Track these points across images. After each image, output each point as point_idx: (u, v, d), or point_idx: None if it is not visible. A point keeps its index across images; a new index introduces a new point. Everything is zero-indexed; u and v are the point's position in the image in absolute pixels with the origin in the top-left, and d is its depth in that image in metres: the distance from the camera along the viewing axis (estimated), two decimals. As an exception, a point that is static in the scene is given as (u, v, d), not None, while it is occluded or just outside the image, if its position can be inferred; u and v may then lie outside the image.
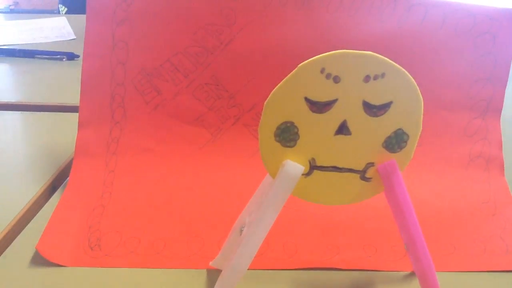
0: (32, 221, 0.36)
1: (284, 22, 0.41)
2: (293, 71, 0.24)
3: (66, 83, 0.66)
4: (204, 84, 0.41)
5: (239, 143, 0.41)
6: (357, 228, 0.36)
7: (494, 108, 0.43)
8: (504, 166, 0.42)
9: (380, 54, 0.24)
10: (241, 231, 0.27)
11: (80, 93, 0.40)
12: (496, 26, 0.42)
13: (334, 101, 0.24)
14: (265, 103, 0.24)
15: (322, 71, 0.24)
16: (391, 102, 0.25)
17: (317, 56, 0.24)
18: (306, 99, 0.24)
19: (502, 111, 0.43)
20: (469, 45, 0.42)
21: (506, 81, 0.43)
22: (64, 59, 0.76)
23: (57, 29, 0.94)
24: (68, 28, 0.94)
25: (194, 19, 0.41)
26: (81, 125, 0.40)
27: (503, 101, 0.43)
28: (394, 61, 0.24)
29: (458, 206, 0.39)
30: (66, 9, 1.50)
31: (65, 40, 0.88)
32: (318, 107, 0.24)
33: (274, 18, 0.41)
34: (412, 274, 0.32)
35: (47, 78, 0.69)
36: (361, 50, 0.24)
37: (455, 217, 0.38)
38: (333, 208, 0.37)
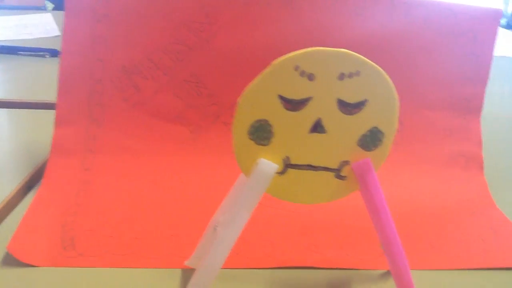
0: (4, 221, 0.35)
1: (267, 21, 0.41)
2: (267, 68, 0.23)
3: (48, 80, 0.65)
4: (184, 81, 0.41)
5: (218, 141, 0.41)
6: (335, 227, 0.36)
7: (475, 107, 0.43)
8: (484, 165, 0.42)
9: (362, 53, 0.24)
10: (215, 229, 0.27)
11: (58, 90, 0.39)
12: (478, 25, 0.42)
13: (309, 98, 0.24)
14: (238, 100, 0.24)
15: (296, 68, 0.23)
16: (366, 100, 0.25)
17: (291, 53, 0.23)
18: (280, 96, 0.24)
19: (483, 110, 0.43)
20: (451, 44, 0.42)
21: (487, 80, 0.43)
22: (46, 56, 0.75)
23: (41, 25, 0.93)
24: (53, 25, 0.93)
25: (174, 16, 0.40)
26: (58, 122, 0.39)
27: (483, 100, 0.43)
28: (376, 60, 0.24)
29: (437, 204, 0.39)
30: (52, 5, 1.48)
31: (49, 37, 0.87)
32: (293, 104, 0.24)
33: (257, 16, 0.41)
34: (389, 272, 0.31)
35: (29, 74, 0.68)
36: (343, 49, 0.24)
37: (434, 215, 0.38)
38: (311, 207, 0.36)
